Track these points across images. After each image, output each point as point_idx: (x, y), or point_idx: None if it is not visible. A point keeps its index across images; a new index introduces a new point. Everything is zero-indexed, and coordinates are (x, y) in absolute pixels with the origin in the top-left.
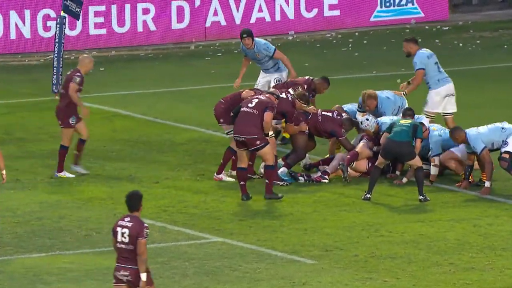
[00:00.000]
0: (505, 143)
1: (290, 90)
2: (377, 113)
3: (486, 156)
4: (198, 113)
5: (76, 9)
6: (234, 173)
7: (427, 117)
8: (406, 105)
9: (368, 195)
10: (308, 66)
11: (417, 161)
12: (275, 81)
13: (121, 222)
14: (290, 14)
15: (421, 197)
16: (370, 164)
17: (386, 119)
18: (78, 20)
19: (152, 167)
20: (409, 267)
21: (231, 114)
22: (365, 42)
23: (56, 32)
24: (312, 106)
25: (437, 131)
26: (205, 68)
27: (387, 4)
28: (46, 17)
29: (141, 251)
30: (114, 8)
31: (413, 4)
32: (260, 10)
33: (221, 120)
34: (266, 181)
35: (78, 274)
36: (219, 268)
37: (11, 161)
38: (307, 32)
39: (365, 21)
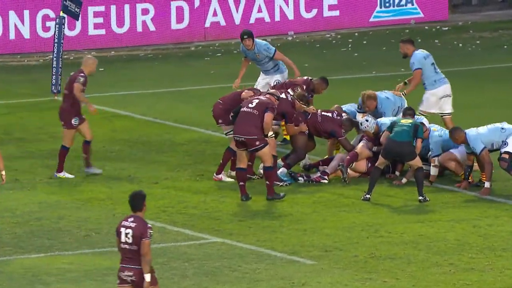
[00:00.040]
0: (504, 143)
1: (289, 90)
2: (377, 114)
3: (486, 156)
4: (197, 113)
5: (76, 9)
6: (233, 173)
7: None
8: (406, 106)
9: (368, 196)
10: (307, 66)
11: (417, 162)
12: (275, 82)
13: (124, 223)
14: (290, 15)
15: (420, 197)
16: (369, 165)
17: (385, 120)
18: (78, 21)
19: (152, 168)
20: (408, 268)
21: (231, 114)
22: (364, 42)
23: (55, 32)
24: (312, 106)
25: (438, 131)
26: (204, 69)
27: (387, 4)
28: (46, 18)
29: (145, 252)
30: (113, 8)
31: (412, 5)
32: (260, 10)
33: (220, 121)
34: (267, 182)
35: (77, 275)
36: (219, 268)
37: (11, 161)
38: (306, 32)
39: (364, 22)
